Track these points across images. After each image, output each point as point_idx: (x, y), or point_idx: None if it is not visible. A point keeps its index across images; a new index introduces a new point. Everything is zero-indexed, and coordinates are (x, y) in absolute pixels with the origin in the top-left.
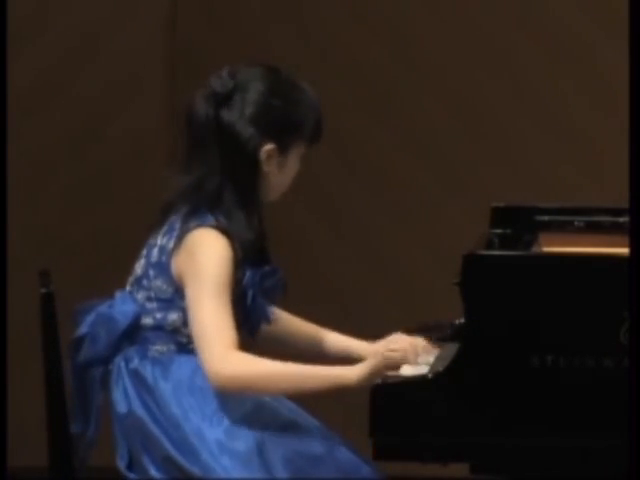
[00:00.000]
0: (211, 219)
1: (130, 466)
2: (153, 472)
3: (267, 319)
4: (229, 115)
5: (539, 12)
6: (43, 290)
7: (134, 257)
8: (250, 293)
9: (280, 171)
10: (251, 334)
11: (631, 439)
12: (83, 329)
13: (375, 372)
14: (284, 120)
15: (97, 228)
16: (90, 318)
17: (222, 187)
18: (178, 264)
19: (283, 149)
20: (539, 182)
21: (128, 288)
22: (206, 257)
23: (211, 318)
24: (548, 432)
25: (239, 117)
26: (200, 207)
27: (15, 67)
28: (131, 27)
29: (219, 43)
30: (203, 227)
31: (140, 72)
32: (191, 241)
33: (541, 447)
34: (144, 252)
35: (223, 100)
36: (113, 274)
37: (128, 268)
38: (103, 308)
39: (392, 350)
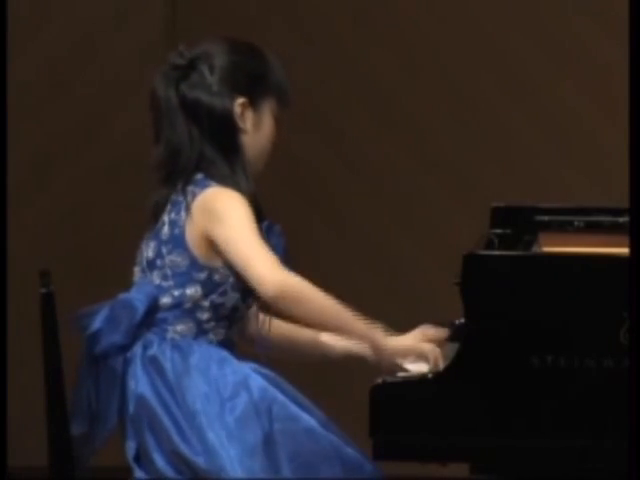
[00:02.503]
0: (212, 182)
1: (137, 458)
2: (160, 463)
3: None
4: (192, 84)
5: (539, 13)
6: (43, 290)
7: (134, 257)
8: None
9: (256, 130)
10: None
11: (631, 439)
12: (97, 324)
13: (412, 352)
14: (249, 73)
15: (97, 228)
16: (104, 312)
17: (201, 152)
18: (196, 227)
19: (255, 103)
20: (539, 182)
21: (139, 275)
22: (228, 203)
23: (252, 244)
24: (548, 432)
25: (205, 82)
26: (195, 175)
27: (15, 67)
28: (131, 27)
29: None
30: (211, 187)
31: (141, 71)
32: (204, 200)
33: (541, 447)
34: (151, 236)
35: (184, 70)
36: (113, 274)
37: (128, 268)
38: (121, 296)
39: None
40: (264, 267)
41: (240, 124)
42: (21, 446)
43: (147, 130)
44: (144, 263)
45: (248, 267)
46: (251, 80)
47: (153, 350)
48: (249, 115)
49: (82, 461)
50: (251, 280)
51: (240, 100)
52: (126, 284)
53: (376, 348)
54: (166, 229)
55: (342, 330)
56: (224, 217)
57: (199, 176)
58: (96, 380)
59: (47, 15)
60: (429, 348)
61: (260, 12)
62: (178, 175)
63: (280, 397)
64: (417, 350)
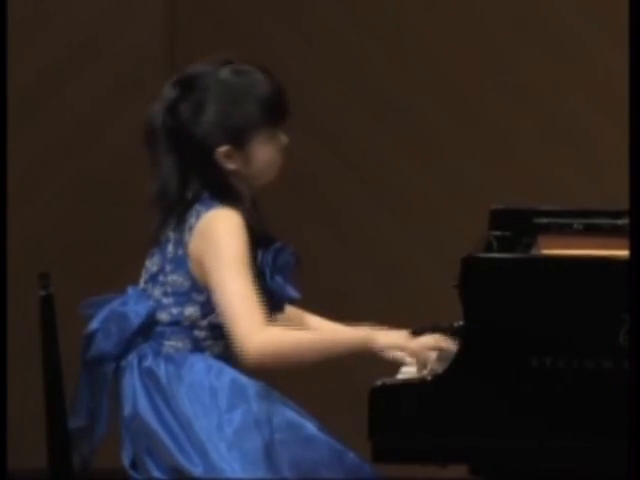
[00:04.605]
0: (218, 203)
1: (134, 464)
2: (156, 474)
3: (290, 298)
4: (180, 120)
5: (539, 13)
6: (43, 292)
7: (134, 258)
8: (267, 271)
9: (249, 163)
10: (276, 311)
11: (631, 440)
12: (94, 325)
13: (402, 348)
14: (231, 122)
15: (97, 230)
16: (102, 314)
17: (190, 182)
18: (195, 250)
19: (240, 145)
20: (538, 184)
21: (142, 286)
22: (223, 235)
23: (238, 298)
24: (547, 434)
25: (190, 122)
26: (203, 195)
27: (15, 67)
28: (131, 27)
29: (219, 44)
30: (214, 209)
31: (140, 72)
32: (205, 224)
33: (540, 448)
34: (155, 250)
35: (175, 102)
36: (113, 276)
37: (128, 269)
38: (116, 305)
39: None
40: (246, 332)
41: (230, 167)
42: (20, 447)
43: None
44: (147, 276)
45: (232, 326)
46: (231, 129)
47: (148, 362)
48: (236, 156)
49: (83, 460)
50: (234, 342)
51: (222, 149)
52: (125, 285)
53: (369, 349)
54: (171, 247)
55: (334, 355)
56: (219, 252)
57: (204, 194)
58: (91, 381)
59: (47, 15)
60: (417, 350)
61: (260, 12)
62: (173, 206)
63: (279, 405)
64: (405, 348)
